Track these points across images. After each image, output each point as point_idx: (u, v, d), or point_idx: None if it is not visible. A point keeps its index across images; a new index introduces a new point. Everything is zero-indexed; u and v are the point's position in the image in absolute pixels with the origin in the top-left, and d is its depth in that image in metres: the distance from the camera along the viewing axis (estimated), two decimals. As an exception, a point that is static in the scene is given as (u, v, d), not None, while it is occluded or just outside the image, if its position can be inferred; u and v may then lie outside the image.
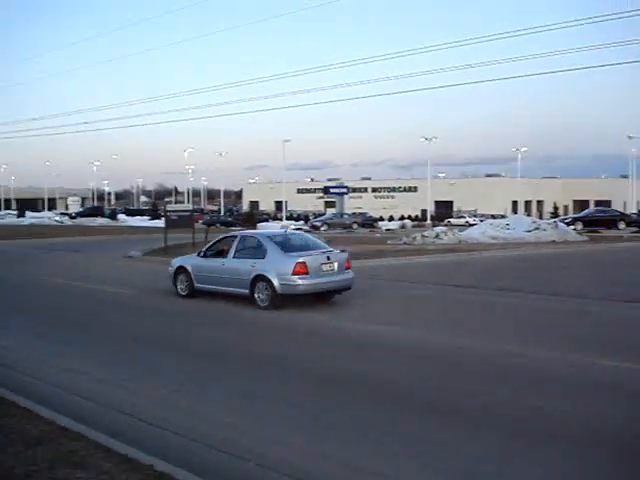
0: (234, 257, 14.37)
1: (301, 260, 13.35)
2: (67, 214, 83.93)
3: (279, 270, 13.42)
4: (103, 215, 78.74)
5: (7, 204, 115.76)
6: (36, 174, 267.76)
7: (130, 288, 17.22)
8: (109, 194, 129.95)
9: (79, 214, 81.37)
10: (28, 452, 5.52)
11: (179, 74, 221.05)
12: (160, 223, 47.68)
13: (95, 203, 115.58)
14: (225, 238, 15.59)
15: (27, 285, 18.52)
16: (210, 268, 14.76)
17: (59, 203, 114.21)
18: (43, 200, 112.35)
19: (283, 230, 19.79)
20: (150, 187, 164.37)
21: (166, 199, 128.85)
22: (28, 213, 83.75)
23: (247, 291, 13.84)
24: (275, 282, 13.34)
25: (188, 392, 7.78)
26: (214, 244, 15.60)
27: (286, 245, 14.19)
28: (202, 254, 15.28)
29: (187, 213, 30.01)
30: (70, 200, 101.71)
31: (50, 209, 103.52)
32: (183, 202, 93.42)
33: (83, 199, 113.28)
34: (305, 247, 14.44)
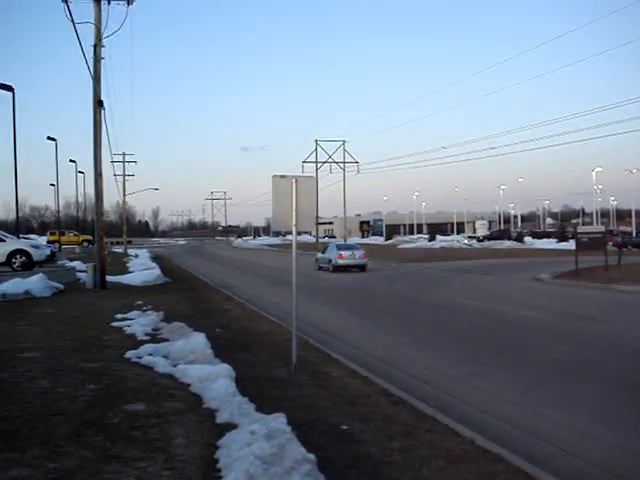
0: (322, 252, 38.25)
1: (340, 253, 35.01)
2: (475, 237, 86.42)
3: (334, 256, 34.99)
4: (510, 238, 79.22)
5: (419, 229, 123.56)
6: (445, 199, 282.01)
7: (541, 311, 16.98)
8: (515, 217, 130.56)
9: (486, 237, 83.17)
10: (450, 469, 5.69)
11: (584, 92, 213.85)
12: (567, 245, 46.35)
13: (501, 226, 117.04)
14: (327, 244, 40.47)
15: (439, 306, 19.39)
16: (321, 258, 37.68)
17: (467, 227, 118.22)
18: (452, 224, 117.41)
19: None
20: (556, 209, 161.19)
21: (572, 220, 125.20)
22: (438, 237, 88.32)
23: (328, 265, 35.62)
24: (333, 261, 35.01)
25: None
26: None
27: (340, 247, 37.17)
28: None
29: (599, 235, 28.78)
30: (478, 224, 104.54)
31: (458, 233, 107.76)
32: (591, 223, 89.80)
33: (490, 222, 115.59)
34: (348, 248, 36.87)
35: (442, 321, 16.05)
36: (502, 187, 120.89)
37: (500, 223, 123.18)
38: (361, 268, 35.54)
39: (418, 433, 6.66)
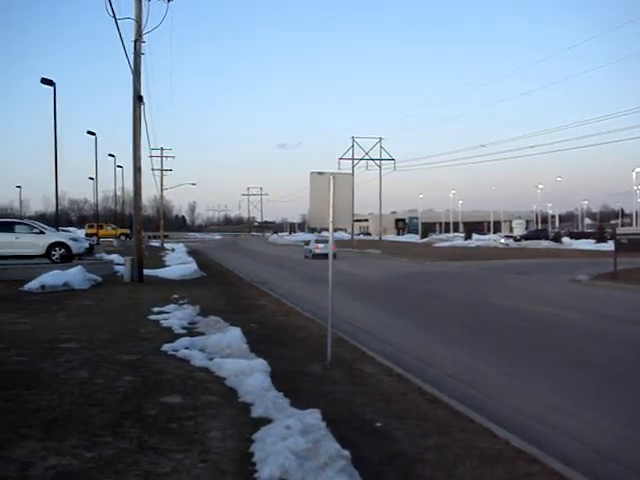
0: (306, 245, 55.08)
1: (317, 245, 49.02)
2: (511, 237, 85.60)
3: (312, 247, 49.78)
4: (547, 238, 78.26)
5: (455, 227, 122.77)
6: (481, 198, 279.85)
7: (577, 312, 16.80)
8: (552, 217, 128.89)
9: (523, 237, 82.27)
10: (484, 469, 5.66)
11: (625, 91, 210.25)
12: (606, 246, 45.72)
13: (539, 226, 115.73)
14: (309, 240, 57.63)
15: (474, 305, 19.26)
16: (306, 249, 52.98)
17: (503, 226, 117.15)
18: (488, 223, 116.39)
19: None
20: (595, 209, 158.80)
21: (611, 221, 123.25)
22: (474, 236, 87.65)
23: (309, 254, 49.86)
24: (312, 251, 49.35)
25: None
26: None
27: (318, 240, 51.74)
28: None
29: (638, 236, 28.32)
30: (515, 223, 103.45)
31: (495, 232, 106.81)
32: (630, 224, 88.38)
33: (527, 222, 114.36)
34: (322, 241, 49.35)
35: (478, 320, 15.95)
36: (540, 186, 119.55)
37: (537, 223, 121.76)
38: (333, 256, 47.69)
39: (453, 432, 6.65)
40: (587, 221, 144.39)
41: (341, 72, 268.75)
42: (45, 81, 34.01)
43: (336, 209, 9.73)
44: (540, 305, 18.45)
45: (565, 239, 79.63)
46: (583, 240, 77.73)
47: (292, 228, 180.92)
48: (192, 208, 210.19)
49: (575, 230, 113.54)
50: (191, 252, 51.32)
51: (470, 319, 16.15)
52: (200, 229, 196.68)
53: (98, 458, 5.30)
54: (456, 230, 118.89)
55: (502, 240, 79.14)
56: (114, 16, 21.40)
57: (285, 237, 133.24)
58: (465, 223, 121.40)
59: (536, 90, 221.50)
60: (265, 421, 6.27)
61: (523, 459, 5.92)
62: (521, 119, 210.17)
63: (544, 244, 69.95)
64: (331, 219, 9.77)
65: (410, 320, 15.90)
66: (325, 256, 43.27)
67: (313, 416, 6.11)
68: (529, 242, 73.58)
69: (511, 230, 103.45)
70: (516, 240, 79.21)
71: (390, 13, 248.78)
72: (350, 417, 7.02)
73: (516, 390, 9.02)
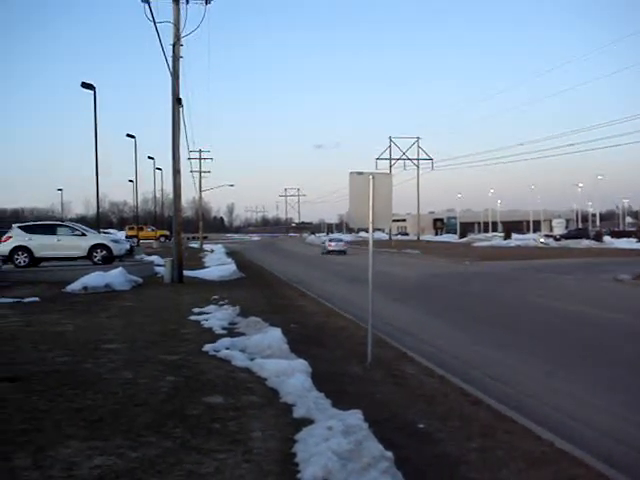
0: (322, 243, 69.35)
1: (330, 243, 59.40)
2: (551, 236, 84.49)
3: (326, 245, 60.00)
4: (588, 237, 77.06)
5: (494, 227, 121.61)
6: (520, 197, 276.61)
7: (620, 312, 16.51)
8: (593, 215, 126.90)
9: (563, 236, 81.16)
10: (529, 471, 5.59)
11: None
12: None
13: (579, 225, 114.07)
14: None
15: (515, 305, 19.03)
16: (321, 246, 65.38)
17: (543, 225, 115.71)
18: (527, 222, 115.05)
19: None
20: (636, 207, 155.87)
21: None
22: (514, 235, 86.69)
23: (324, 250, 59.38)
24: (326, 248, 59.05)
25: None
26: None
27: (331, 239, 64.03)
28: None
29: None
30: (554, 222, 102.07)
31: (534, 231, 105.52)
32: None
33: (567, 221, 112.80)
34: (335, 240, 61.30)
35: (518, 320, 15.77)
36: (580, 185, 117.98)
37: (577, 222, 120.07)
38: (342, 252, 56.49)
39: (496, 434, 6.57)
40: (628, 220, 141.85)
41: (378, 72, 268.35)
42: (85, 85, 34.50)
43: (376, 209, 9.69)
44: (582, 305, 18.16)
45: (606, 238, 78.32)
46: (624, 239, 76.44)
47: (329, 229, 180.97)
48: (230, 209, 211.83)
49: (616, 229, 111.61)
50: (230, 253, 51.63)
51: (510, 319, 15.96)
52: (238, 230, 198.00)
53: (142, 458, 5.34)
54: (495, 230, 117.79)
55: (542, 239, 78.10)
56: (153, 20, 21.73)
57: (322, 238, 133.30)
58: (504, 223, 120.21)
59: (576, 87, 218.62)
60: (307, 422, 6.27)
61: (568, 461, 5.83)
62: (561, 117, 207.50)
63: (585, 243, 68.89)
64: (371, 219, 9.74)
65: (449, 320, 15.77)
66: (337, 252, 56.68)
67: (355, 417, 6.09)
68: (569, 241, 72.56)
69: (551, 229, 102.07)
70: (556, 239, 78.13)
71: (426, 12, 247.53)
72: (392, 418, 6.98)
73: (559, 391, 8.88)
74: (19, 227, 27.78)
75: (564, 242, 73.26)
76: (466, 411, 7.39)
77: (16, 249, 26.37)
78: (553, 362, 10.77)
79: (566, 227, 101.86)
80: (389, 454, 5.26)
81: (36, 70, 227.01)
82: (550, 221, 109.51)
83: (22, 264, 26.28)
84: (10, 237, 26.85)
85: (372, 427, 5.92)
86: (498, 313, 17.16)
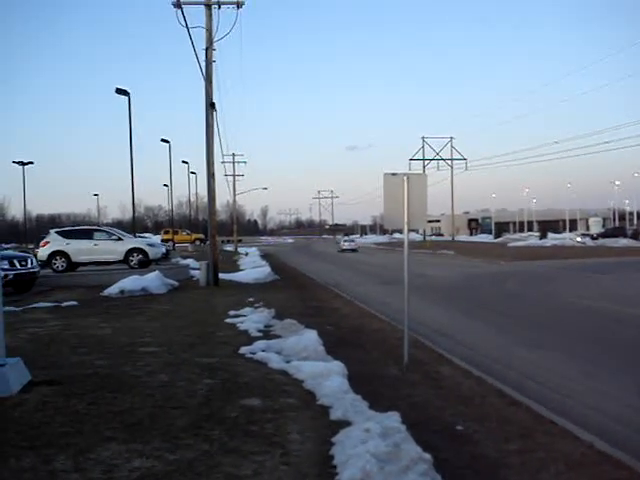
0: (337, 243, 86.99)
1: (344, 242, 74.14)
2: (588, 235, 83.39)
3: (341, 244, 74.58)
4: (625, 235, 75.88)
5: (529, 226, 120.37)
6: (556, 196, 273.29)
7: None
8: (630, 213, 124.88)
9: (600, 235, 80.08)
10: (569, 473, 5.50)
11: None
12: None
13: (616, 223, 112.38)
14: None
15: (552, 305, 18.77)
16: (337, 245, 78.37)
17: (579, 224, 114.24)
18: (564, 221, 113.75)
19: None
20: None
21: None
22: (549, 234, 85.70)
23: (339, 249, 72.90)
24: (341, 247, 72.75)
25: None
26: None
27: (345, 240, 77.94)
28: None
29: None
30: (591, 221, 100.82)
31: (571, 230, 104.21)
32: None
33: (604, 219, 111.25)
34: (349, 241, 75.74)
35: (555, 321, 15.56)
36: (617, 183, 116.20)
37: (615, 220, 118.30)
38: (355, 250, 69.46)
39: (535, 435, 6.49)
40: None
41: (411, 73, 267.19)
42: (120, 91, 34.93)
43: (410, 210, 9.64)
44: (620, 305, 17.87)
45: (645, 236, 77.00)
46: (665, 237, 75.04)
47: (363, 230, 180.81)
48: (264, 212, 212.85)
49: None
50: (264, 256, 51.86)
51: (547, 319, 15.77)
52: (272, 233, 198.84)
53: (180, 460, 5.38)
54: (530, 229, 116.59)
55: (578, 239, 77.05)
56: (186, 26, 21.92)
57: (357, 239, 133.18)
58: (539, 222, 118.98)
59: (611, 84, 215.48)
60: (344, 424, 6.25)
61: (609, 463, 5.73)
62: (595, 114, 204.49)
63: (622, 242, 67.77)
64: (406, 220, 9.69)
65: (486, 321, 15.63)
66: (350, 251, 69.33)
67: (392, 419, 6.06)
68: (606, 240, 71.50)
69: (587, 228, 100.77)
70: (593, 238, 77.07)
71: (459, 13, 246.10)
72: (429, 420, 6.93)
73: (599, 392, 8.74)
74: (57, 232, 28.21)
75: (601, 241, 72.23)
76: (504, 412, 7.31)
77: (54, 254, 26.80)
78: (592, 363, 10.62)
79: (603, 226, 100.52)
80: (427, 456, 5.22)
81: (69, 76, 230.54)
82: (586, 220, 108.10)
83: (60, 269, 26.68)
84: (48, 242, 27.29)
85: (410, 429, 5.89)
86: (535, 313, 16.96)
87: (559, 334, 13.61)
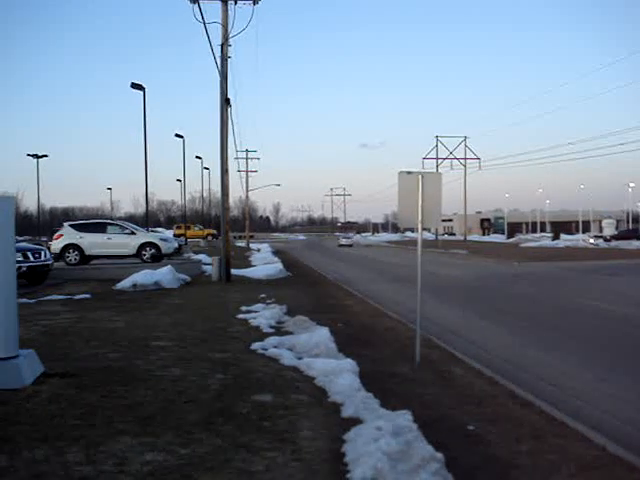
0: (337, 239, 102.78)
1: (342, 238, 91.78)
2: (601, 237, 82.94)
3: (340, 240, 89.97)
4: (639, 238, 75.42)
5: (542, 227, 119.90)
6: (569, 197, 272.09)
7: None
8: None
9: (614, 237, 79.61)
10: (581, 476, 5.48)
11: None
12: None
13: (630, 225, 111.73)
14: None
15: (564, 307, 18.68)
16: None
17: (593, 226, 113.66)
18: (576, 223, 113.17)
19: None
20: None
21: None
22: (562, 236, 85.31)
23: (339, 244, 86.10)
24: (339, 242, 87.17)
25: None
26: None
27: (343, 236, 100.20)
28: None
29: None
30: (604, 223, 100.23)
31: (584, 232, 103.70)
32: None
33: (617, 221, 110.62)
34: (346, 237, 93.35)
35: (567, 322, 15.48)
36: (631, 185, 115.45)
37: (628, 222, 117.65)
38: (350, 246, 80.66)
39: (547, 437, 6.47)
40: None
41: (424, 71, 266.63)
42: (135, 86, 35.02)
43: (425, 209, 9.61)
44: (635, 308, 17.76)
45: (658, 239, 76.45)
46: (675, 239, 74.47)
47: (375, 228, 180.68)
48: (276, 209, 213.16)
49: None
50: (276, 252, 51.91)
51: (561, 321, 15.69)
52: (284, 229, 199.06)
53: (192, 454, 5.39)
54: (543, 230, 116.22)
55: (591, 240, 76.65)
56: (203, 21, 21.92)
57: (369, 237, 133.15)
58: (552, 223, 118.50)
59: (626, 86, 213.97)
60: (355, 421, 6.25)
61: (621, 466, 5.70)
62: (610, 116, 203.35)
63: (635, 244, 67.25)
64: (420, 219, 9.67)
65: (498, 321, 15.58)
66: (347, 246, 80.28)
67: (404, 417, 6.06)
68: (620, 242, 71.05)
69: (601, 230, 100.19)
70: (606, 240, 76.61)
71: (473, 13, 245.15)
72: (441, 419, 6.92)
73: (611, 395, 8.68)
74: (70, 225, 28.32)
75: (614, 243, 71.78)
76: (516, 413, 7.29)
77: (67, 247, 26.91)
78: (606, 366, 10.55)
79: (616, 228, 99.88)
80: (439, 455, 5.21)
81: (85, 70, 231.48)
82: (600, 221, 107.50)
83: (73, 262, 26.81)
84: (61, 235, 27.40)
85: (421, 428, 5.88)
86: (548, 314, 16.88)
87: (572, 336, 13.54)
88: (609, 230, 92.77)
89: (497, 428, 6.70)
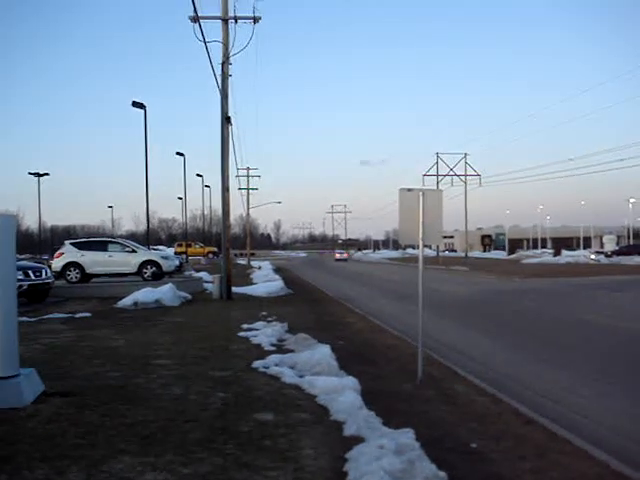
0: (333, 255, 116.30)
1: (337, 254, 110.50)
2: (602, 252, 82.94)
3: (336, 254, 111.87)
4: (640, 253, 75.38)
5: (543, 243, 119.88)
6: (569, 213, 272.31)
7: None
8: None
9: (615, 252, 79.61)
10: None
11: None
12: None
13: (631, 241, 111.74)
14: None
15: (566, 322, 18.62)
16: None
17: (594, 242, 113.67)
18: (577, 238, 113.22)
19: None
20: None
21: None
22: (564, 252, 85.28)
23: (335, 259, 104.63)
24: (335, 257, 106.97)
25: None
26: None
27: (338, 252, 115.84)
28: None
29: None
30: (606, 238, 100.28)
31: (585, 247, 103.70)
32: None
33: (618, 237, 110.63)
34: (340, 252, 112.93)
35: (570, 338, 15.43)
36: (632, 200, 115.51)
37: (629, 238, 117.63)
38: (344, 260, 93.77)
39: (550, 454, 6.42)
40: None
41: (424, 88, 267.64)
42: (136, 104, 35.18)
43: (426, 226, 9.61)
44: (636, 323, 17.71)
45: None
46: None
47: (376, 245, 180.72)
48: (277, 226, 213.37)
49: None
50: (277, 269, 51.85)
51: (564, 338, 15.64)
52: (285, 247, 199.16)
53: (194, 474, 5.36)
54: (544, 246, 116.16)
55: (592, 256, 76.61)
56: (204, 40, 22.04)
57: (369, 254, 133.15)
58: (553, 239, 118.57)
59: (627, 101, 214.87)
60: (358, 440, 6.22)
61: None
62: (610, 132, 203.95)
63: (637, 260, 67.18)
64: (420, 236, 9.67)
65: (501, 338, 15.53)
66: (342, 260, 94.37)
67: (407, 436, 6.02)
68: (621, 258, 71.05)
69: (602, 246, 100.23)
70: (607, 256, 76.61)
71: (472, 29, 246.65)
72: (444, 437, 6.87)
73: (615, 411, 8.62)
74: (71, 243, 28.32)
75: (615, 259, 71.77)
76: (519, 431, 7.24)
77: (68, 265, 26.91)
78: (609, 382, 10.49)
79: (617, 243, 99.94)
80: (442, 474, 5.18)
81: (86, 88, 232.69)
82: (601, 237, 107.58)
83: (74, 280, 26.79)
84: (62, 253, 27.41)
85: (424, 446, 5.84)
86: (551, 331, 16.83)
87: (575, 352, 13.49)
88: (610, 246, 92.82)
89: (500, 446, 6.66)
